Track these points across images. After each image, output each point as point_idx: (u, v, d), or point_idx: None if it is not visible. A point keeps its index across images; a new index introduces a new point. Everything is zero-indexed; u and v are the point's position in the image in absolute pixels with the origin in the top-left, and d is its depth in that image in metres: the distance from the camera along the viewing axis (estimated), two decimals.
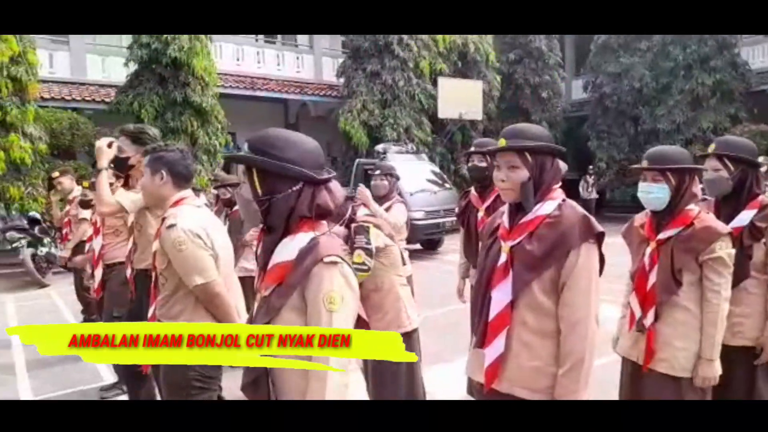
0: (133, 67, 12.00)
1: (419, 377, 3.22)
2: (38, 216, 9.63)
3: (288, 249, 1.48)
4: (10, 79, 9.74)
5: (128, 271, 3.38)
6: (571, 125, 18.41)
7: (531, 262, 1.77)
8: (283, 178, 1.47)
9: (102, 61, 14.34)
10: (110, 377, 4.66)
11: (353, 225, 1.59)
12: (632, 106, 16.21)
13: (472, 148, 3.62)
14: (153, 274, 2.57)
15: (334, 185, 1.54)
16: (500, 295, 1.82)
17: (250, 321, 1.58)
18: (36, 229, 9.42)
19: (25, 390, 4.47)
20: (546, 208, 1.81)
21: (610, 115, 16.56)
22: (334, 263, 1.42)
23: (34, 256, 9.12)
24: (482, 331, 1.87)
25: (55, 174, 6.22)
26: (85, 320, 6.21)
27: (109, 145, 3.26)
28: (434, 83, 14.68)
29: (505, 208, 1.95)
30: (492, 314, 1.83)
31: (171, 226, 2.40)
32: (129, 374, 3.56)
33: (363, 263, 1.55)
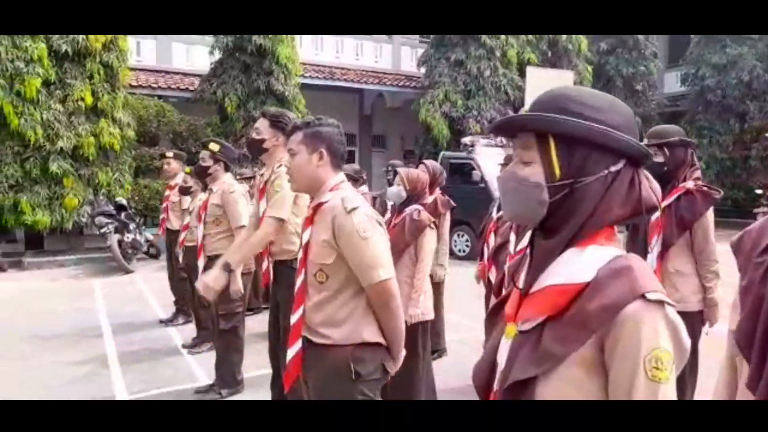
0: (217, 54, 11.96)
1: None
2: (125, 202, 9.67)
3: (575, 266, 0.97)
4: (102, 65, 9.81)
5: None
6: (664, 121, 17.10)
7: None
8: (602, 153, 0.97)
9: (187, 50, 14.47)
10: (205, 378, 4.36)
11: None
12: (739, 100, 14.83)
13: (645, 141, 3.01)
14: (302, 271, 2.10)
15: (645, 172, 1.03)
16: None
17: (490, 367, 1.09)
18: (122, 215, 9.46)
19: (120, 390, 4.22)
20: None
21: (713, 110, 15.24)
22: (660, 303, 0.90)
23: (120, 242, 9.15)
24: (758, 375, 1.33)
25: (169, 154, 6.05)
26: (177, 311, 6.00)
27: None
28: (521, 73, 13.89)
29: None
30: None
31: (354, 209, 1.96)
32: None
33: None
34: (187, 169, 4.84)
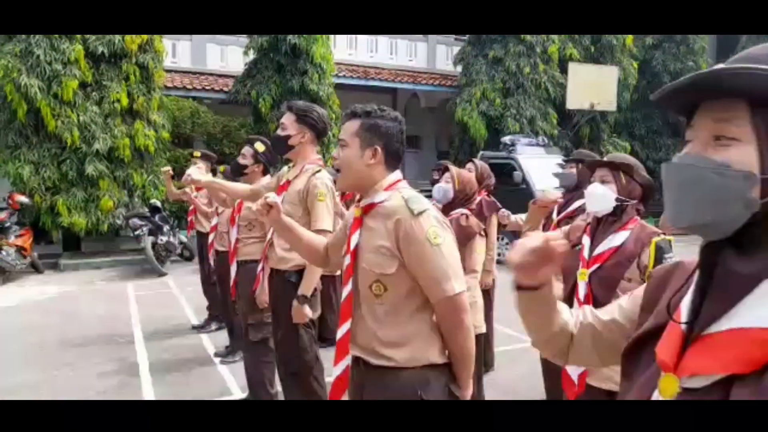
0: (252, 55, 11.84)
1: None
2: (159, 204, 9.58)
3: None
4: (138, 66, 9.77)
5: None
6: None
7: None
8: None
9: (221, 51, 14.43)
10: (238, 392, 4.12)
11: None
12: None
13: None
14: (349, 280, 1.81)
15: None
16: None
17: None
18: (157, 217, 9.38)
19: (149, 398, 4.02)
20: None
21: None
22: None
23: (154, 245, 9.06)
24: None
25: (196, 153, 5.86)
26: (210, 317, 5.81)
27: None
28: (563, 70, 13.39)
29: None
30: None
31: (422, 212, 1.69)
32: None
33: None
34: (221, 168, 4.62)
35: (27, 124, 9.06)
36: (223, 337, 5.30)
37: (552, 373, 3.47)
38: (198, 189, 5.53)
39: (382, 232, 1.73)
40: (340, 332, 1.83)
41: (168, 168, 5.93)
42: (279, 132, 2.96)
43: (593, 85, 12.90)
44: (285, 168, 3.13)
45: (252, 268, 3.73)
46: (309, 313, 2.81)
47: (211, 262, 5.02)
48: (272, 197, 1.97)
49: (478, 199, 4.36)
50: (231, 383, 4.35)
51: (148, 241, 8.94)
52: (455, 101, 13.70)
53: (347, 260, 1.83)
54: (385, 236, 1.72)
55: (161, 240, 9.22)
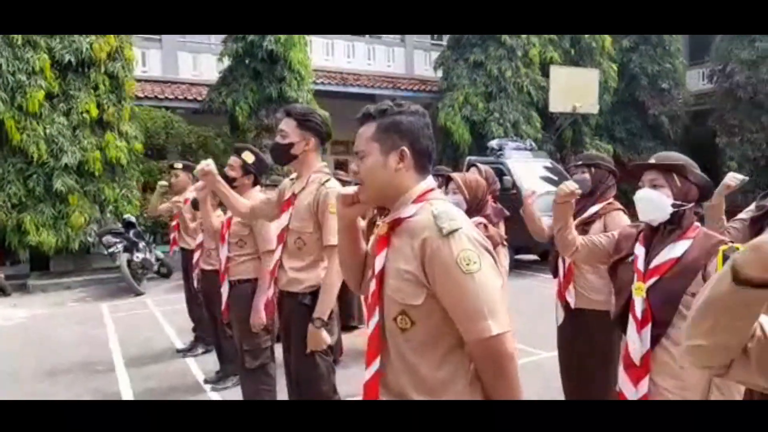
0: (226, 62, 11.44)
1: None
2: (133, 219, 9.07)
3: None
4: (108, 75, 9.30)
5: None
6: (690, 120, 16.45)
7: None
8: None
9: (193, 59, 14.00)
10: None
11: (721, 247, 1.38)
12: None
13: None
14: (375, 311, 1.48)
15: None
16: None
17: None
18: (131, 233, 8.89)
19: None
20: None
21: (743, 107, 14.54)
22: None
23: (129, 262, 8.57)
24: None
25: (178, 165, 5.45)
26: (196, 339, 5.40)
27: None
28: (544, 73, 13.29)
29: None
30: None
31: (453, 231, 1.34)
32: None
33: None
34: None
35: None
36: (211, 361, 4.90)
37: (574, 379, 3.22)
38: (186, 201, 5.11)
39: (407, 254, 1.41)
40: (368, 373, 1.49)
41: (165, 182, 5.54)
42: (279, 140, 2.62)
43: (575, 88, 12.84)
44: (286, 181, 2.79)
45: (245, 287, 3.40)
46: (327, 339, 2.47)
47: (195, 282, 4.64)
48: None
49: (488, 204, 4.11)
50: None
51: (123, 258, 8.45)
52: (437, 106, 13.50)
53: (372, 286, 1.50)
54: (410, 258, 1.40)
55: (137, 257, 8.73)
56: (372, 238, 1.67)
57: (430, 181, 1.51)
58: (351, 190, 1.59)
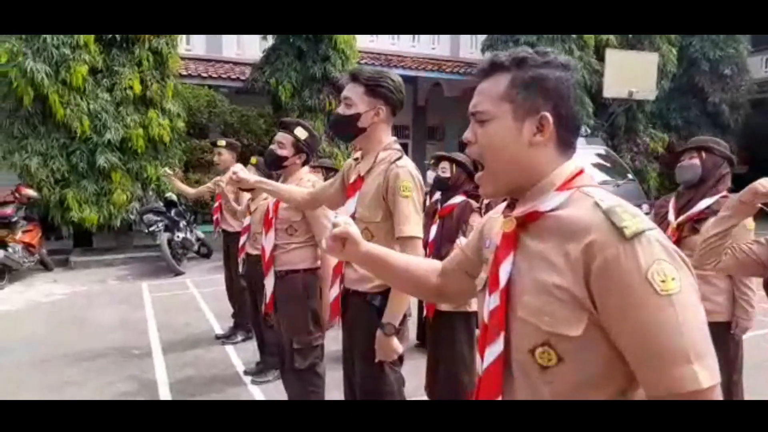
0: (270, 40, 11.17)
1: None
2: (175, 198, 8.94)
3: None
4: (152, 52, 9.15)
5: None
6: (752, 107, 15.43)
7: None
8: None
9: (237, 38, 13.81)
10: None
11: None
12: None
13: None
14: (496, 338, 1.06)
15: None
16: None
17: None
18: (173, 212, 8.78)
19: None
20: None
21: None
22: None
23: (170, 241, 8.47)
24: None
25: (221, 142, 5.21)
26: (236, 326, 5.19)
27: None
28: (599, 56, 12.59)
29: None
30: None
31: (639, 233, 0.92)
32: None
33: None
34: (253, 159, 3.94)
35: (34, 113, 8.45)
36: (251, 350, 4.69)
37: None
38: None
39: (557, 263, 0.99)
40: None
41: (166, 169, 5.34)
42: (342, 110, 2.18)
43: (632, 72, 12.11)
44: (349, 160, 2.40)
45: (295, 280, 3.06)
46: (399, 348, 2.11)
47: (240, 267, 4.38)
48: (341, 220, 1.28)
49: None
50: None
51: (163, 237, 8.35)
52: None
53: (493, 302, 1.09)
54: (563, 269, 0.97)
55: (178, 236, 8.63)
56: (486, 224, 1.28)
57: (577, 162, 1.09)
58: (337, 231, 1.26)
